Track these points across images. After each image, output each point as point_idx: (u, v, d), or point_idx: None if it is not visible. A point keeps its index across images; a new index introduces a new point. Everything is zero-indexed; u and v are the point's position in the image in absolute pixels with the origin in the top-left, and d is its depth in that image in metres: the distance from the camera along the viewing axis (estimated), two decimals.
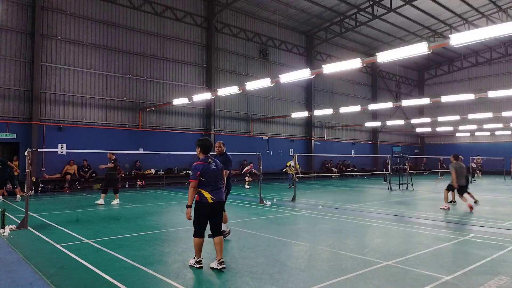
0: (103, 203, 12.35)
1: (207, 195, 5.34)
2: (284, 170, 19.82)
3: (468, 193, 12.32)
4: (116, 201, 12.70)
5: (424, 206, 12.52)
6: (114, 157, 12.72)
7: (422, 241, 7.20)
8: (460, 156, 12.18)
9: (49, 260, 5.71)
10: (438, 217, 10.07)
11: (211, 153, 5.75)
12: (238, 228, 8.26)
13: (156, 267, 5.36)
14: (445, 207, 11.50)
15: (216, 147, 7.30)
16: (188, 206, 5.41)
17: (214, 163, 5.52)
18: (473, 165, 26.64)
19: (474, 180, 24.83)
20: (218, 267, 5.23)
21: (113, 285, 4.62)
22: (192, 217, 5.44)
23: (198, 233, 5.38)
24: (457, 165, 11.69)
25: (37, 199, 13.75)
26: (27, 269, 5.27)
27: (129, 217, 9.81)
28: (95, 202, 12.44)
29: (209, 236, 5.58)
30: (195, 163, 5.45)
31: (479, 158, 29.53)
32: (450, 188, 11.85)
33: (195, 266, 5.36)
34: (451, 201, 12.65)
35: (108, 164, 12.72)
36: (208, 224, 5.47)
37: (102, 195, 12.60)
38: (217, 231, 5.46)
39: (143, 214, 10.39)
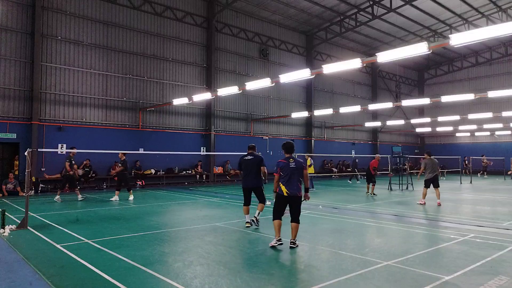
0: (118, 199, 13.34)
1: (283, 188, 6.48)
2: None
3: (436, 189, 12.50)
4: (131, 197, 13.73)
5: (424, 206, 12.51)
6: (124, 157, 13.70)
7: (422, 241, 7.20)
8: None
9: (49, 260, 5.71)
10: (438, 217, 10.07)
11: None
12: (238, 228, 8.28)
13: (156, 267, 5.36)
14: (421, 202, 12.36)
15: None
16: (274, 191, 6.71)
17: (294, 163, 6.60)
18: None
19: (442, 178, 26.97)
20: (290, 245, 6.45)
21: (113, 285, 4.62)
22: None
23: (275, 216, 6.63)
24: (429, 161, 12.54)
25: (37, 199, 13.75)
26: (27, 269, 5.26)
27: (129, 217, 9.81)
28: (110, 199, 13.43)
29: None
30: (278, 160, 6.73)
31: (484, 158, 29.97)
32: (426, 184, 12.54)
33: (275, 244, 6.48)
34: (368, 193, 15.58)
35: (119, 164, 13.90)
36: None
37: (116, 192, 13.64)
38: (293, 218, 6.52)
39: (143, 214, 10.39)
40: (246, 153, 8.68)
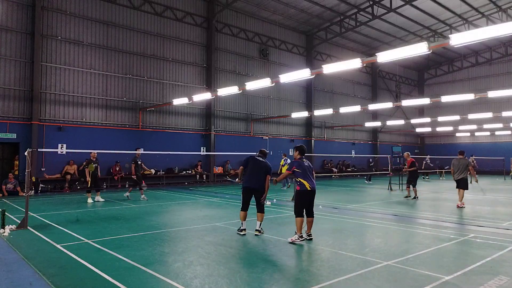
0: (91, 201, 12.87)
1: (306, 184, 6.96)
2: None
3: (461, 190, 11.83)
4: (98, 199, 13.07)
5: (424, 206, 12.52)
6: (95, 155, 13.36)
7: (422, 241, 7.20)
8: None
9: (49, 260, 5.72)
10: (438, 217, 10.07)
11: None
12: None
13: (156, 267, 5.36)
14: (461, 205, 11.58)
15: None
16: (275, 180, 7.60)
17: (307, 162, 7.24)
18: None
19: (426, 178, 27.23)
20: (307, 238, 7.04)
21: (113, 285, 4.62)
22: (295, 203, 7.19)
23: (300, 214, 6.98)
24: (456, 161, 11.94)
25: (37, 199, 13.74)
26: (27, 269, 5.26)
27: (129, 217, 9.81)
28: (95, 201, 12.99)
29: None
30: (293, 160, 7.37)
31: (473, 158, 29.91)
32: (458, 185, 11.77)
33: (297, 241, 6.82)
34: (414, 197, 14.10)
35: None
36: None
37: (97, 193, 13.33)
38: (311, 213, 7.17)
39: (143, 214, 10.39)
40: (256, 154, 8.04)
